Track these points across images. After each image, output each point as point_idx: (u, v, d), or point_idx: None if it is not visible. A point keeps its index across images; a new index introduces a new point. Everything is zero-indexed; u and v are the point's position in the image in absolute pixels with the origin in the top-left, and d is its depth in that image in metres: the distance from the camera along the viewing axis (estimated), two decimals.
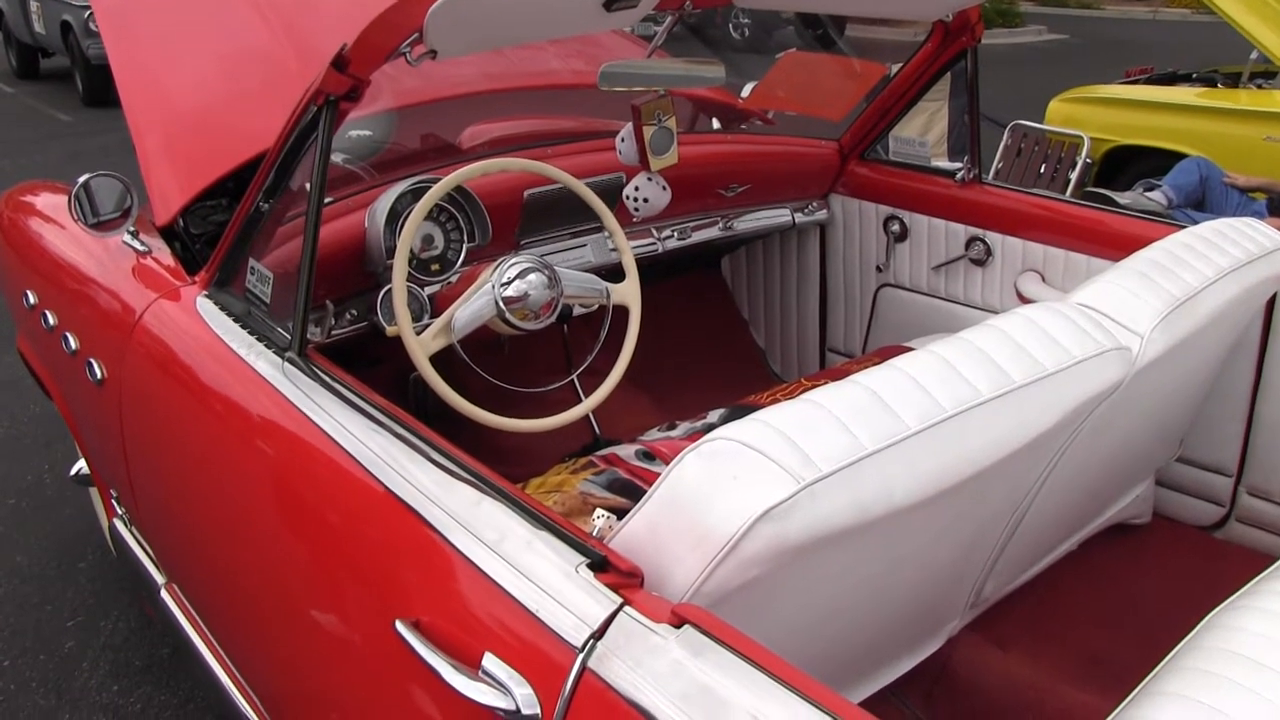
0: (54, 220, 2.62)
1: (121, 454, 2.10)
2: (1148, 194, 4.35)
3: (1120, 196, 4.29)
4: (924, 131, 5.03)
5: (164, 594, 2.17)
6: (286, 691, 1.69)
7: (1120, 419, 1.68)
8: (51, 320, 2.36)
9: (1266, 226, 1.92)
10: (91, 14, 10.21)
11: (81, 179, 2.09)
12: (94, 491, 3.10)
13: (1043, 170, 4.77)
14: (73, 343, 2.24)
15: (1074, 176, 4.64)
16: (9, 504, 3.50)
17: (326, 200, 1.83)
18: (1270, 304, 2.10)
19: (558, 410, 1.96)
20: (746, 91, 2.95)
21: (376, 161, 2.40)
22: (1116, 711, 1.13)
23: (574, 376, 2.25)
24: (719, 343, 3.18)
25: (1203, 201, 4.34)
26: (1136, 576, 2.17)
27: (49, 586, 3.06)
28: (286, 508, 1.52)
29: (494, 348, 2.18)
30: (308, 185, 1.74)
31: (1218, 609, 1.26)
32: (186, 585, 2.07)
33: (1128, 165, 5.22)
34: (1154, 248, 1.73)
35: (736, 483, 1.05)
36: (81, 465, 2.75)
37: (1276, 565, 1.35)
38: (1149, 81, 5.59)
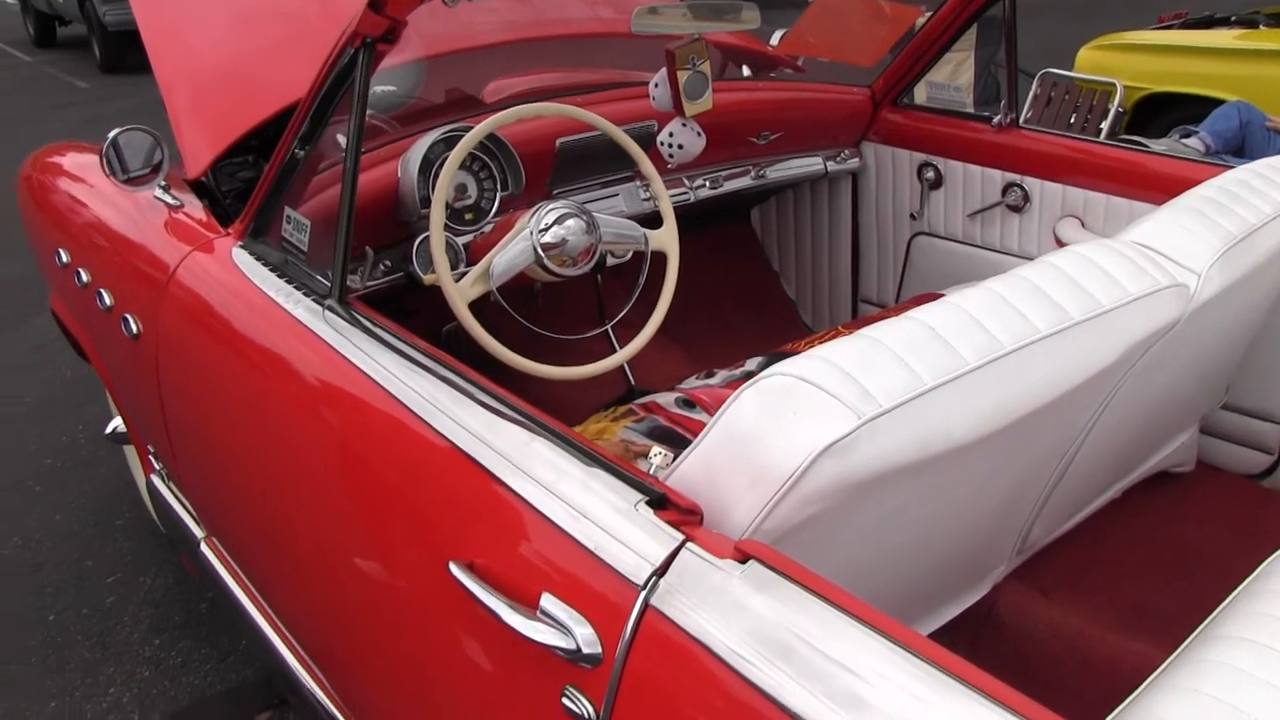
0: (82, 179, 2.62)
1: (159, 408, 2.09)
2: (1184, 140, 4.28)
3: (1155, 144, 4.22)
4: (949, 81, 4.97)
5: (204, 548, 2.17)
6: (333, 640, 1.69)
7: (1171, 361, 1.66)
8: (85, 278, 2.36)
9: None
10: None
11: (112, 134, 2.08)
12: (129, 450, 3.12)
13: (1073, 120, 4.70)
14: (107, 299, 2.23)
15: (1105, 125, 4.57)
16: (45, 464, 3.52)
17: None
18: None
19: (592, 360, 1.95)
20: (776, 39, 2.92)
21: (404, 114, 2.38)
22: (1176, 653, 1.12)
23: (609, 326, 2.23)
24: (750, 294, 3.15)
25: (1242, 147, 4.27)
26: (1181, 525, 2.15)
27: (88, 544, 3.08)
28: (331, 454, 1.51)
29: (528, 297, 2.17)
30: (340, 136, 1.73)
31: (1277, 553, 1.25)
32: (227, 538, 2.07)
33: (1160, 114, 5.14)
34: (1208, 185, 1.69)
35: (796, 418, 1.03)
36: (117, 423, 2.75)
37: None
38: (1183, 26, 5.50)
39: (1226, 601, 1.20)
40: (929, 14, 2.53)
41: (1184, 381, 1.87)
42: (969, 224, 2.66)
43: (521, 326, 2.03)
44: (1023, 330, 1.21)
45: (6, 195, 6.46)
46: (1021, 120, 2.65)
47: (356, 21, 1.51)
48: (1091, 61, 5.33)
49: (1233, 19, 5.43)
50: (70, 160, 2.77)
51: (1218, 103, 4.67)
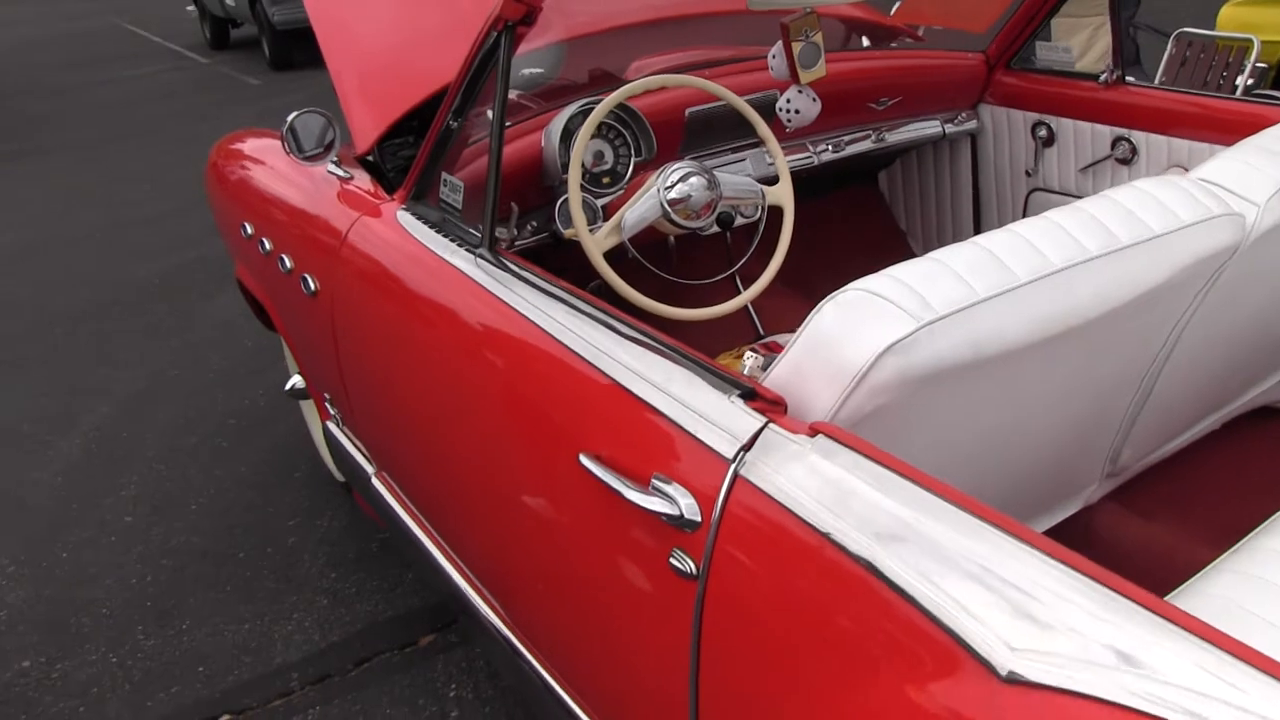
0: (262, 160, 2.94)
1: (334, 357, 2.38)
2: None
3: None
4: (1085, 48, 4.98)
5: (375, 481, 2.46)
6: (488, 544, 1.94)
7: (1249, 293, 1.77)
8: (268, 245, 2.67)
9: None
10: None
11: (290, 117, 2.36)
12: (305, 405, 3.45)
13: (1209, 78, 4.67)
14: (288, 262, 2.53)
15: (1241, 82, 4.53)
16: (230, 424, 3.90)
17: (506, 124, 2.05)
18: None
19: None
20: (894, 10, 3.06)
21: (548, 91, 2.61)
22: (1238, 545, 1.28)
23: (734, 271, 2.42)
24: (877, 252, 3.29)
25: None
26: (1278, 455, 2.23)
27: (270, 492, 3.43)
28: (486, 379, 1.75)
29: (664, 252, 2.38)
30: (489, 109, 1.97)
31: None
32: (397, 470, 2.34)
33: None
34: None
35: (865, 324, 1.22)
36: (295, 380, 3.07)
37: None
38: None
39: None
40: None
41: (1269, 314, 1.96)
42: (1081, 178, 2.77)
43: (660, 281, 2.25)
44: (1074, 252, 1.37)
45: (192, 184, 7.04)
46: (1156, 81, 2.74)
47: (500, 8, 1.74)
48: (1235, 19, 5.25)
49: None
50: (250, 145, 3.10)
51: None
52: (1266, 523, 1.47)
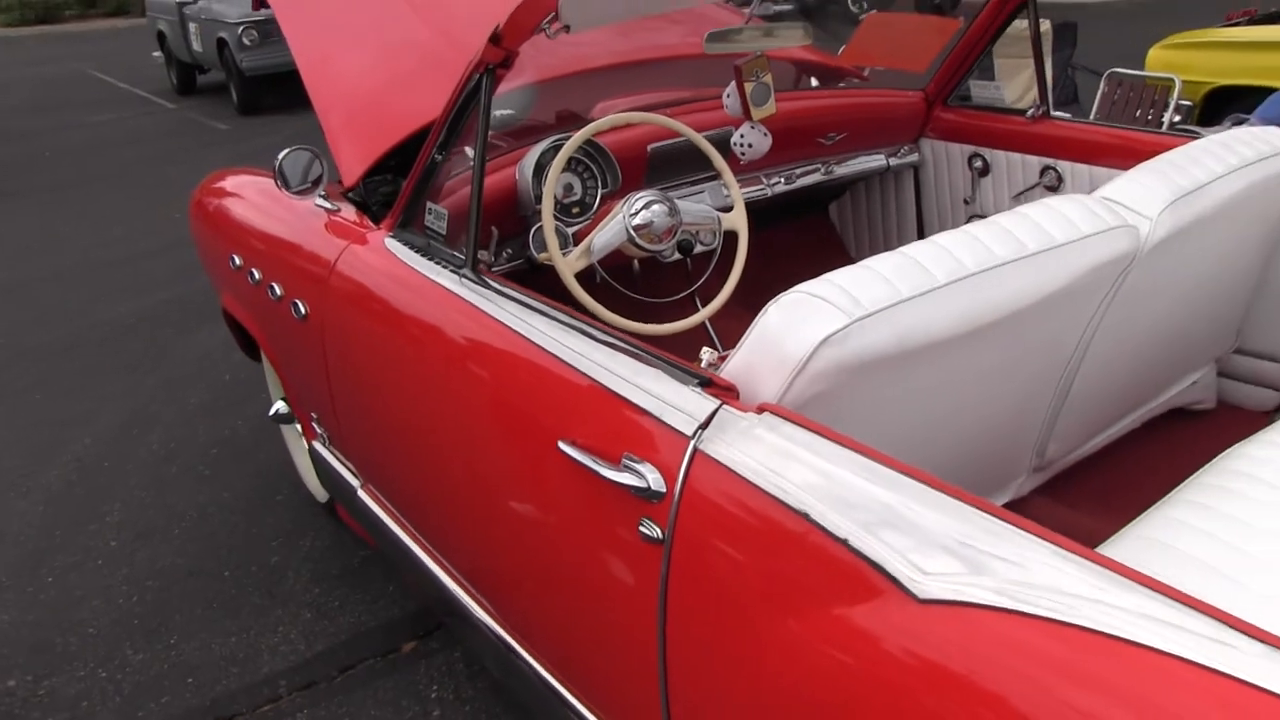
0: (247, 196, 3.12)
1: (324, 376, 2.55)
2: (1235, 128, 4.49)
3: (1207, 131, 4.46)
4: (1028, 87, 5.27)
5: (361, 493, 2.62)
6: (475, 539, 2.11)
7: (1150, 303, 1.99)
8: (257, 275, 2.84)
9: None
10: (245, 29, 11.06)
11: (281, 154, 2.54)
12: (287, 431, 3.61)
13: (1138, 114, 4.96)
14: (278, 290, 2.70)
15: (1166, 118, 4.82)
16: (212, 453, 4.04)
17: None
18: None
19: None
20: (841, 52, 3.30)
21: (520, 130, 2.81)
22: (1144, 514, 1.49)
23: (693, 290, 2.61)
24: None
25: None
26: (1200, 456, 2.44)
27: (253, 514, 3.58)
28: (472, 385, 1.94)
29: (629, 274, 2.57)
30: (468, 148, 2.16)
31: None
32: (384, 480, 2.51)
33: (1229, 106, 5.37)
34: (1174, 151, 2.03)
35: (805, 321, 1.42)
36: (279, 406, 3.24)
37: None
38: (1250, 23, 5.73)
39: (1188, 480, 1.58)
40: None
41: (1179, 321, 2.18)
42: (1013, 205, 2.99)
43: (626, 301, 2.44)
44: (987, 259, 1.58)
45: (163, 227, 7.19)
46: (1091, 118, 2.98)
47: (481, 53, 1.95)
48: (1162, 60, 5.58)
49: None
50: (233, 182, 3.28)
51: None
52: (1168, 495, 1.67)
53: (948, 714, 1.06)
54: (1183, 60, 5.47)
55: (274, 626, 3.00)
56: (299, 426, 3.17)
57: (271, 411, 3.29)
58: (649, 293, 2.60)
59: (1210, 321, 2.35)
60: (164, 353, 5.13)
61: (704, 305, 2.41)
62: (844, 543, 1.18)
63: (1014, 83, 5.45)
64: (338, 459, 2.78)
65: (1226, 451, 1.75)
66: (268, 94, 11.71)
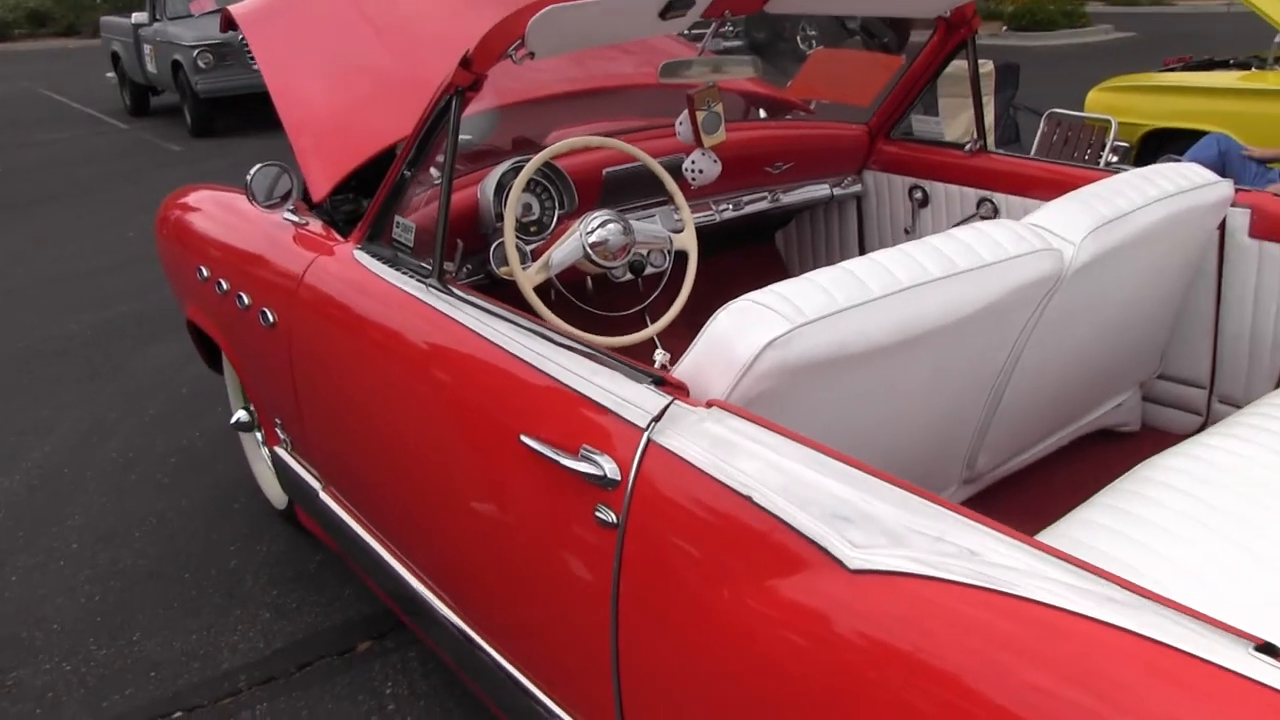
0: (214, 211, 3.23)
1: (290, 382, 2.65)
2: None
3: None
4: (970, 125, 5.48)
5: (323, 495, 2.72)
6: (438, 535, 2.22)
7: (1074, 325, 2.15)
8: (225, 286, 2.94)
9: (1200, 169, 2.38)
10: (200, 52, 11.10)
11: (252, 170, 2.65)
12: (246, 439, 3.69)
13: (1075, 154, 5.19)
14: (245, 299, 2.81)
15: (1103, 159, 5.05)
16: (170, 462, 4.11)
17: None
18: (1222, 233, 2.54)
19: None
20: (788, 85, 3.46)
21: (481, 152, 2.94)
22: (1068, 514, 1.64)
23: (644, 307, 2.74)
24: None
25: (1223, 173, 4.70)
26: (1121, 474, 2.61)
27: (211, 521, 3.66)
28: (436, 387, 2.05)
29: (583, 290, 2.70)
30: (436, 166, 2.27)
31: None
32: (348, 482, 2.61)
33: (1164, 148, 5.61)
34: (1098, 182, 2.20)
35: (751, 326, 1.56)
36: (239, 415, 3.34)
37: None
38: (1186, 68, 5.99)
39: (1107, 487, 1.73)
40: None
41: (1104, 345, 2.34)
42: None
43: (581, 315, 2.56)
44: (919, 274, 1.73)
45: (119, 243, 7.24)
46: (1032, 153, 3.15)
47: (451, 76, 2.08)
48: (1101, 102, 5.82)
49: (1231, 62, 5.92)
50: (197, 197, 3.40)
51: None
52: (1084, 502, 1.82)
53: (880, 676, 1.18)
54: (1121, 103, 5.71)
55: (233, 625, 3.08)
56: (259, 434, 3.26)
57: (233, 420, 3.38)
58: (602, 308, 2.73)
59: (1134, 345, 2.51)
60: (123, 365, 5.19)
61: (653, 322, 2.54)
62: (783, 521, 1.31)
63: (957, 121, 5.67)
64: (299, 463, 2.87)
65: (1145, 461, 1.90)
66: (221, 116, 11.79)
